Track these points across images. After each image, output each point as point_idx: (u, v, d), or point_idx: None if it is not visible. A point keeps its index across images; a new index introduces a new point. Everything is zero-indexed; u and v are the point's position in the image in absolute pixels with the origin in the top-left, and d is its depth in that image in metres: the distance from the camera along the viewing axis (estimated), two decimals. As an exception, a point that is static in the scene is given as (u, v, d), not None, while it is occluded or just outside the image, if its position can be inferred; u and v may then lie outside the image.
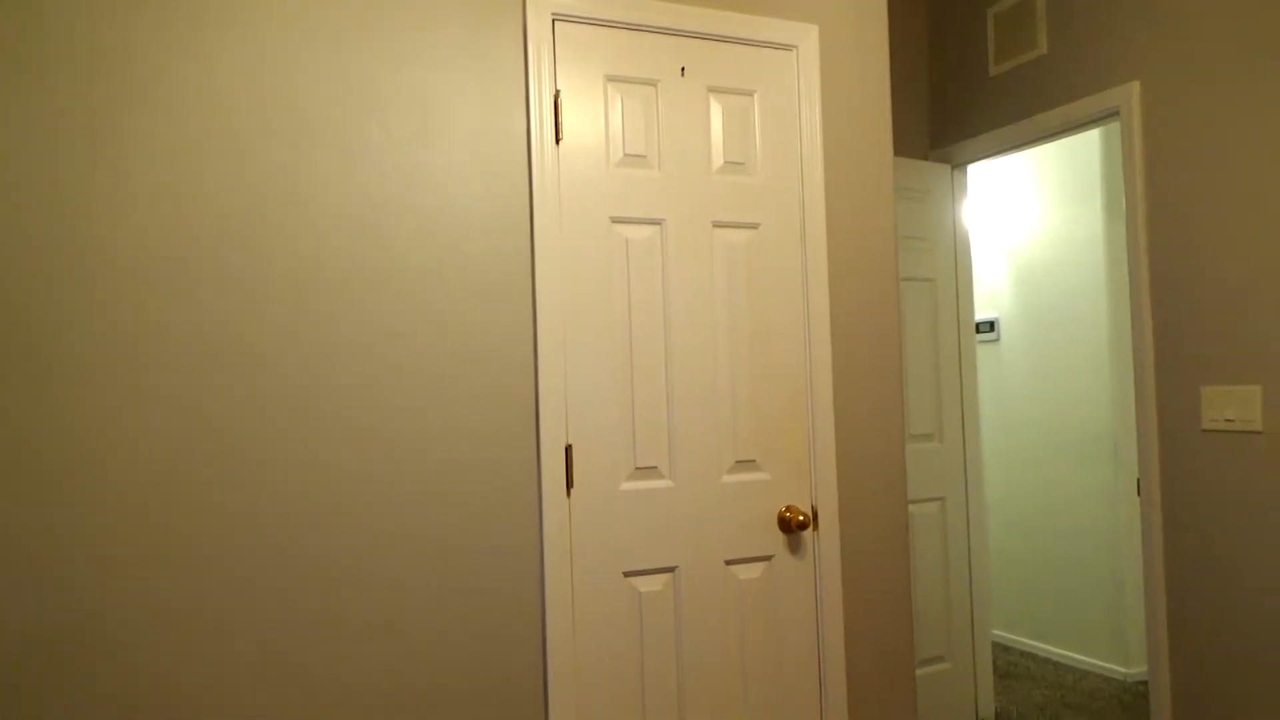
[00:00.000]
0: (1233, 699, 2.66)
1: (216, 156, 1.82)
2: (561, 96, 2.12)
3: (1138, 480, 2.95)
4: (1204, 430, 2.73)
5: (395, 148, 1.96)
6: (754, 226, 2.31)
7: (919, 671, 3.45)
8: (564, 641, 2.06)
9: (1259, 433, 2.58)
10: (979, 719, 3.64)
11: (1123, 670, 4.13)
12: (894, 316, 2.47)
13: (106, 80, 1.75)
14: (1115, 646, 4.17)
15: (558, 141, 2.12)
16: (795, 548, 2.31)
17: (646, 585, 2.16)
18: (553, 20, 2.12)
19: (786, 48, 2.36)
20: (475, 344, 2.02)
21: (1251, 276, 2.59)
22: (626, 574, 2.14)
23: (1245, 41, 2.60)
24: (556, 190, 2.10)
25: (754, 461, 2.28)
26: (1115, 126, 4.19)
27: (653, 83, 2.22)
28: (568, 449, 2.09)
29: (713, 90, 2.28)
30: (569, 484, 2.09)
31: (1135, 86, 2.91)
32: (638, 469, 2.16)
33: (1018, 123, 3.36)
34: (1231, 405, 2.65)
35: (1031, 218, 4.57)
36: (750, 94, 2.32)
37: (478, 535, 2.00)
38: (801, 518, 2.26)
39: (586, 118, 2.15)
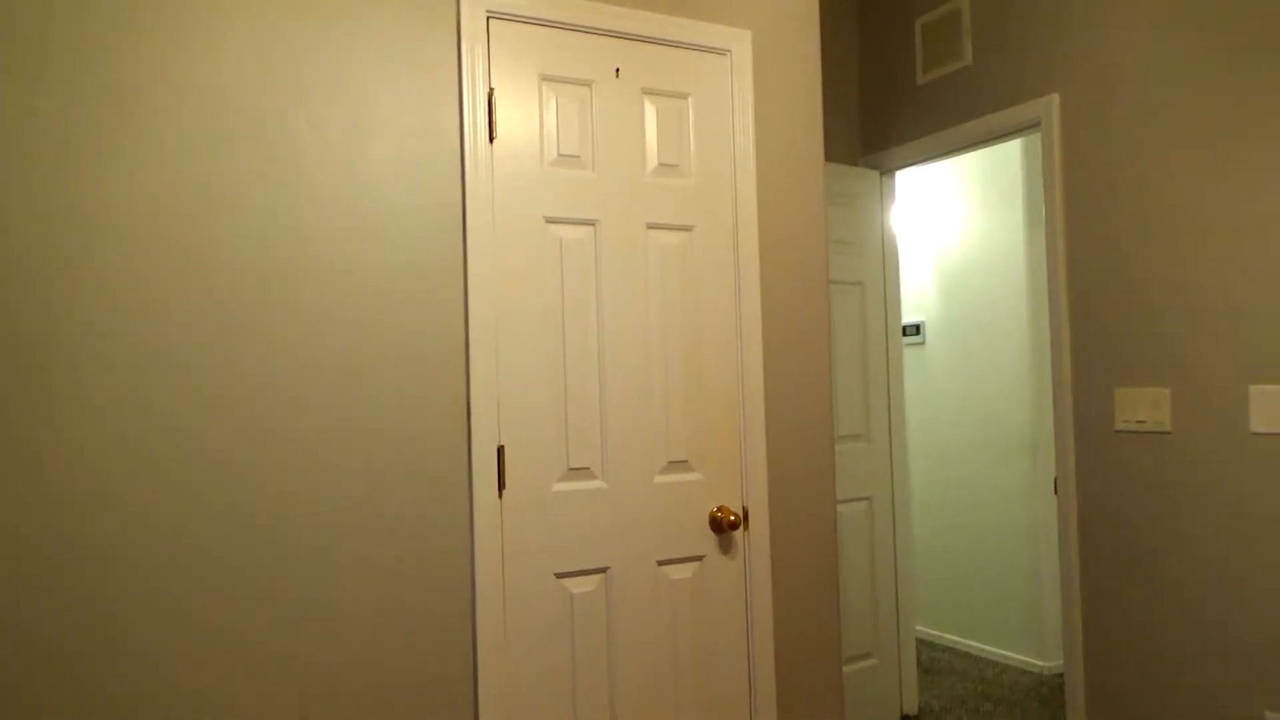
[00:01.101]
0: (1144, 690, 2.77)
1: (132, 150, 1.76)
2: (495, 95, 2.11)
3: (1055, 479, 3.05)
4: (1117, 431, 2.83)
5: (324, 144, 1.93)
6: (688, 229, 2.33)
7: (846, 668, 3.51)
8: (495, 643, 2.04)
9: (1168, 433, 2.69)
10: (903, 714, 3.72)
11: (1040, 664, 4.26)
12: (824, 319, 2.51)
13: (21, 72, 1.68)
14: (1033, 641, 4.30)
15: (491, 140, 2.10)
16: (726, 547, 2.33)
17: (579, 586, 2.16)
18: (487, 17, 2.10)
19: (720, 52, 2.38)
20: (406, 344, 1.99)
21: (1161, 283, 2.70)
22: (559, 575, 2.14)
23: (1159, 58, 2.71)
24: (490, 189, 2.09)
25: (686, 462, 2.29)
26: (1036, 137, 4.32)
27: (587, 83, 2.22)
28: (500, 450, 2.08)
29: (647, 92, 2.29)
30: (501, 485, 2.08)
31: (1055, 99, 3.01)
32: (571, 470, 2.16)
33: (944, 131, 3.44)
34: (1143, 407, 2.75)
35: (956, 224, 4.68)
36: (685, 97, 2.34)
37: (409, 536, 1.97)
38: (733, 518, 2.28)
39: (521, 117, 2.14)
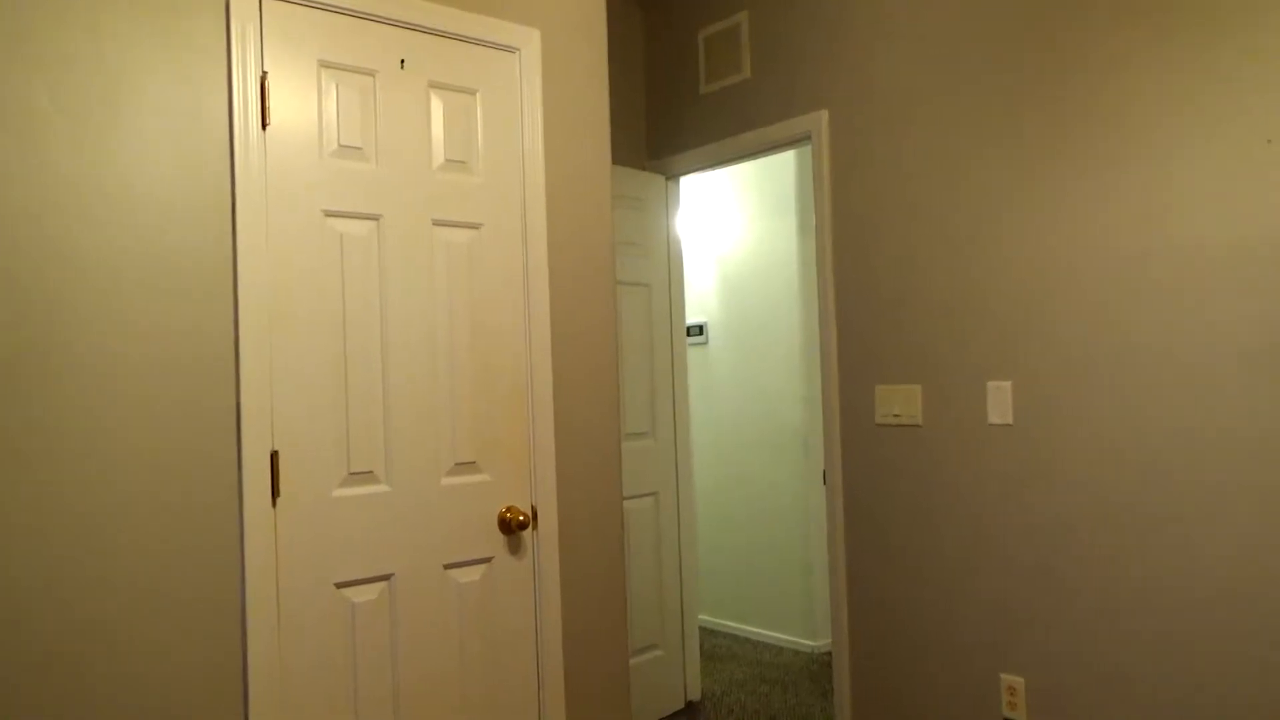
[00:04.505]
0: (901, 661, 3.02)
1: None
2: (269, 79, 1.99)
3: (824, 471, 3.26)
4: (877, 424, 3.07)
5: (70, 121, 1.74)
6: (475, 226, 2.29)
7: (633, 660, 3.59)
8: (268, 662, 1.93)
9: (920, 426, 2.94)
10: (687, 700, 3.85)
11: (811, 644, 4.55)
12: (612, 319, 2.56)
13: None
14: (805, 623, 4.58)
15: (264, 126, 1.98)
16: (515, 548, 2.32)
17: (360, 595, 2.08)
18: (259, -4, 1.98)
19: (509, 50, 2.37)
20: (166, 342, 1.84)
21: (913, 287, 2.95)
22: (339, 585, 2.05)
23: (912, 82, 2.96)
24: (263, 178, 1.97)
25: (474, 463, 2.26)
26: (809, 149, 4.60)
27: (371, 73, 2.14)
28: (273, 455, 1.96)
29: (434, 86, 2.24)
30: (274, 493, 1.96)
31: (824, 115, 3.21)
32: (352, 474, 2.07)
33: (724, 140, 3.59)
34: (898, 402, 3.00)
35: (737, 229, 4.90)
36: (473, 93, 2.30)
37: (168, 553, 1.82)
38: (521, 518, 2.27)
39: (298, 103, 2.03)
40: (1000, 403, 2.72)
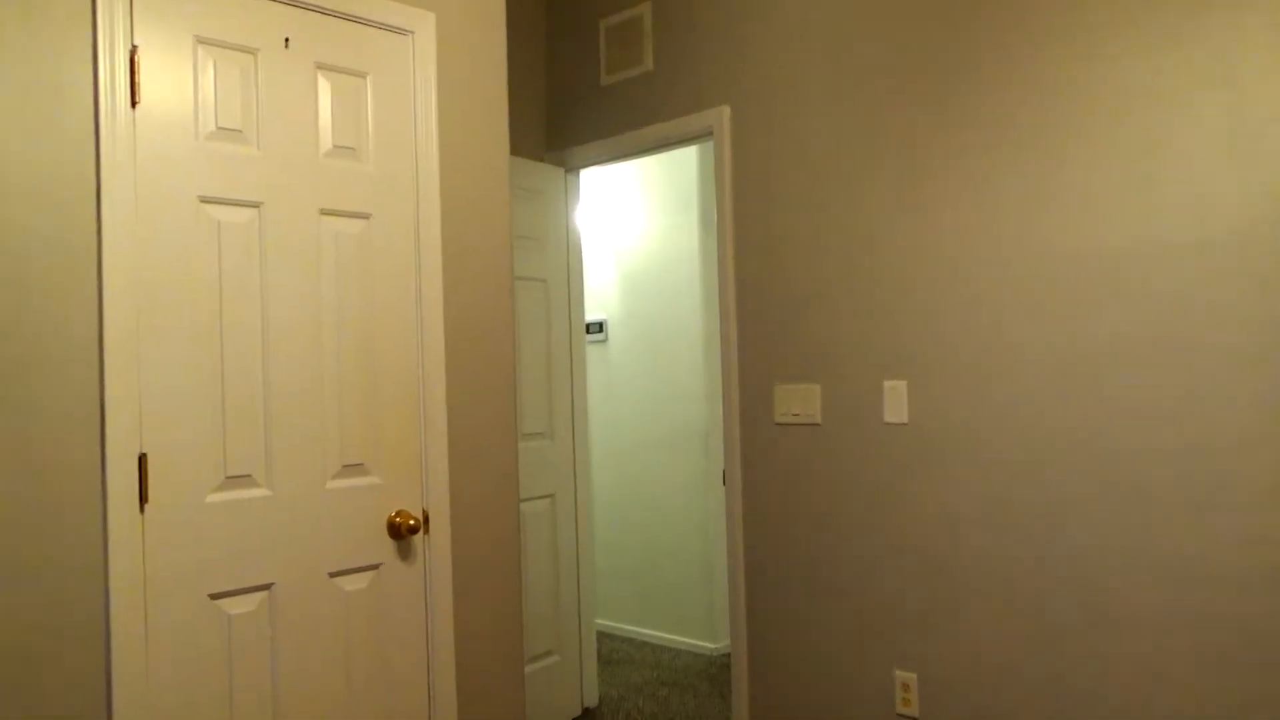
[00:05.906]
0: (799, 659, 3.03)
1: None
2: (139, 53, 1.84)
3: (724, 471, 3.25)
4: (777, 423, 3.07)
5: (-97, 88, 1.57)
6: (365, 216, 2.19)
7: (529, 667, 3.51)
8: (134, 681, 1.78)
9: (818, 424, 2.96)
10: (584, 707, 3.79)
11: (711, 646, 4.55)
12: (508, 315, 2.48)
13: None
14: (704, 625, 4.58)
15: (134, 105, 1.84)
16: (406, 554, 2.23)
17: (237, 606, 1.95)
18: (127, -37, 1.83)
19: (402, 32, 2.27)
20: (18, 338, 1.68)
21: (812, 287, 2.96)
22: (213, 596, 1.92)
23: (813, 82, 2.97)
24: (131, 161, 1.82)
25: (362, 465, 2.16)
26: (710, 145, 4.60)
27: (252, 51, 2.01)
28: (141, 459, 1.82)
29: (321, 67, 2.12)
30: (143, 499, 1.82)
31: (726, 110, 3.20)
32: (228, 478, 1.95)
33: (626, 133, 3.55)
34: (797, 401, 3.01)
35: (638, 224, 4.87)
36: (363, 76, 2.20)
37: (22, 564, 1.66)
38: (412, 522, 2.18)
39: (171, 81, 1.89)
40: (896, 402, 2.76)
